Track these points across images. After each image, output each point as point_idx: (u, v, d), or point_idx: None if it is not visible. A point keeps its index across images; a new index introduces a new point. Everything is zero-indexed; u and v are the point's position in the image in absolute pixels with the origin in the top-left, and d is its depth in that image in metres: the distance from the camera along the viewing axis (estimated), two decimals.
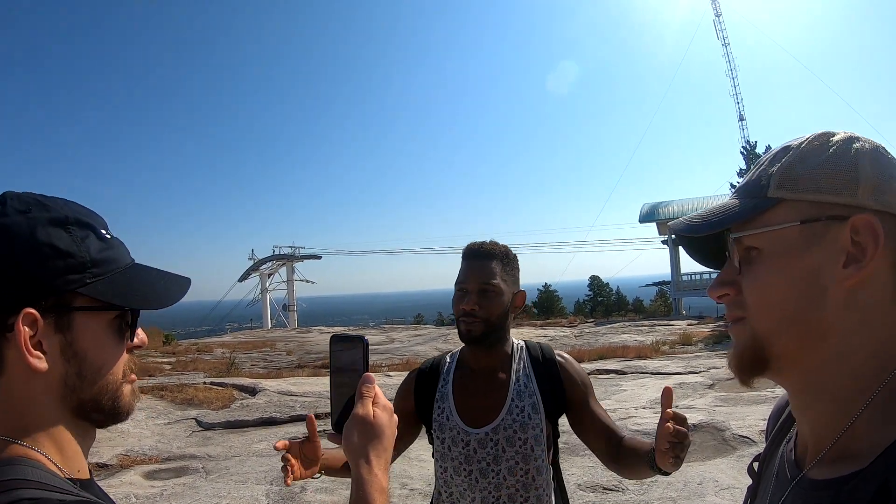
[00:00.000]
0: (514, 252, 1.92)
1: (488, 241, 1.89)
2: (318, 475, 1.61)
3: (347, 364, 1.01)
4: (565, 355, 1.92)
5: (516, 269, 1.91)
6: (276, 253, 54.02)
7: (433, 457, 1.87)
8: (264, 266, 53.63)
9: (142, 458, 7.28)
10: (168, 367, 18.19)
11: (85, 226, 0.83)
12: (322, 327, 40.23)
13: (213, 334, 42.51)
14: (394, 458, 1.95)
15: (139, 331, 0.90)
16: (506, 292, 1.82)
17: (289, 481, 1.47)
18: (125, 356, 0.87)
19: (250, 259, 53.85)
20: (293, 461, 1.49)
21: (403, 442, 1.89)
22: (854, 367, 0.69)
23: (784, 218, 0.72)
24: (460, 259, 1.88)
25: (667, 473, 1.52)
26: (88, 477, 0.84)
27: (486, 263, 1.81)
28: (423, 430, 1.94)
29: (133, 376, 0.88)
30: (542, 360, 1.86)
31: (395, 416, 1.00)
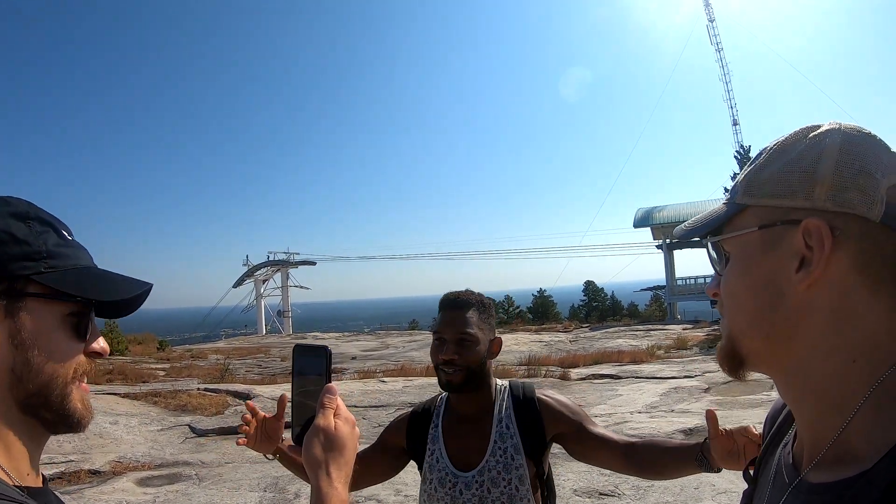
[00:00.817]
0: (489, 299, 1.97)
1: (464, 290, 1.94)
2: (271, 456, 1.69)
3: (310, 374, 0.98)
4: (548, 393, 1.96)
5: (492, 316, 1.96)
6: (271, 259, 54.07)
7: (420, 496, 1.94)
8: (259, 272, 53.61)
9: (135, 464, 7.23)
10: (162, 373, 18.15)
11: (45, 223, 0.85)
12: (317, 333, 40.21)
13: (207, 340, 42.42)
14: (365, 484, 1.99)
15: (100, 338, 0.89)
16: (482, 340, 1.86)
17: (241, 441, 1.60)
18: (80, 358, 0.85)
19: (245, 265, 53.89)
20: (252, 427, 1.61)
21: (383, 474, 1.99)
22: (836, 368, 0.68)
23: (747, 223, 0.73)
24: (439, 309, 1.92)
25: (717, 471, 1.60)
26: (41, 485, 0.81)
27: (462, 313, 1.86)
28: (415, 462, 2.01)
29: (85, 385, 0.86)
30: (522, 401, 1.90)
31: (357, 430, 0.96)
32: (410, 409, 2.04)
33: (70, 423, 0.84)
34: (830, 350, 0.68)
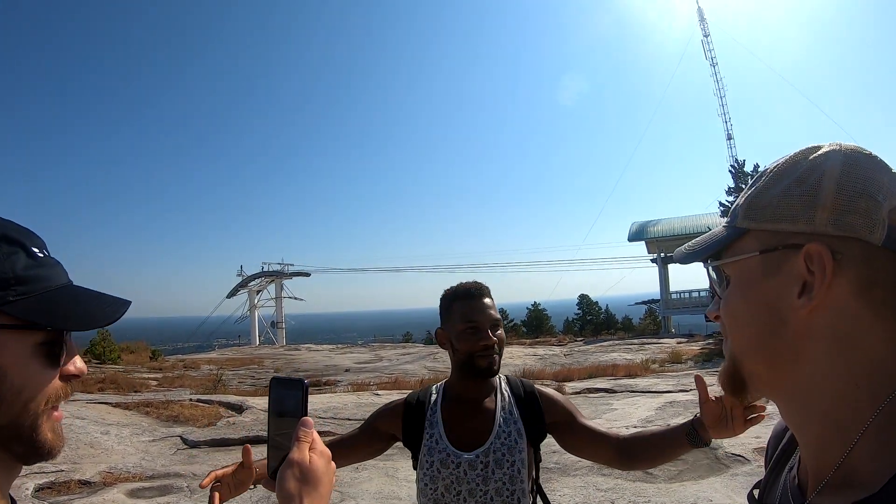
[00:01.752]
0: None
1: (472, 280, 2.02)
2: (252, 486, 1.76)
3: (286, 407, 0.97)
4: (544, 387, 2.07)
5: None
6: (265, 270, 54.05)
7: (418, 483, 1.97)
8: (253, 283, 53.57)
9: (125, 475, 7.15)
10: (154, 383, 18.02)
11: (13, 242, 0.78)
12: (311, 345, 40.09)
13: (200, 350, 42.28)
14: (347, 463, 2.03)
15: (76, 358, 0.84)
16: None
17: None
18: (56, 384, 0.81)
19: (239, 275, 53.83)
20: (220, 491, 1.66)
21: (365, 453, 2.05)
22: (838, 392, 0.68)
23: (747, 248, 0.73)
24: (448, 301, 2.00)
25: (707, 444, 1.72)
26: None
27: (489, 301, 1.96)
28: (410, 455, 2.06)
29: (58, 413, 0.83)
30: (522, 392, 2.00)
31: (333, 465, 0.94)
32: (404, 398, 2.09)
33: (41, 453, 0.80)
34: (833, 374, 0.68)
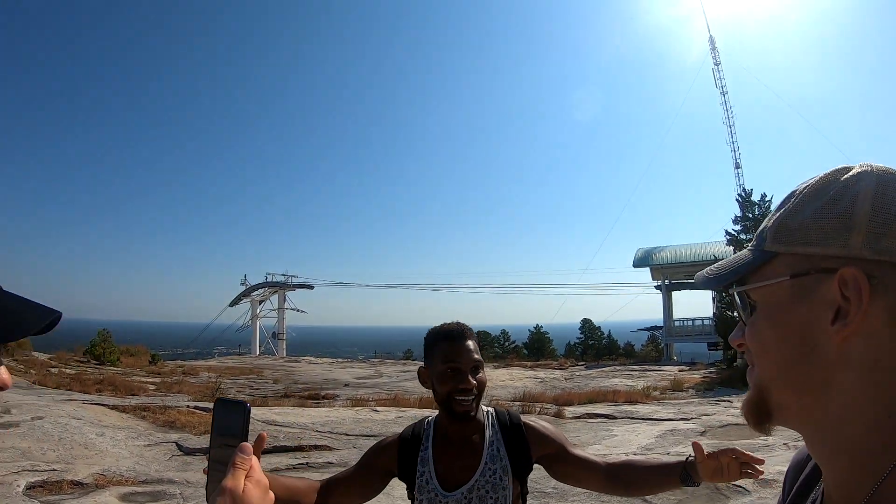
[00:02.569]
0: None
1: (455, 321, 2.03)
2: None
3: (227, 431, 0.93)
4: (532, 418, 2.08)
5: None
6: (269, 280, 54.19)
7: None
8: (256, 293, 53.73)
9: (118, 478, 7.09)
10: (152, 387, 17.98)
11: None
12: (311, 357, 40.01)
13: (200, 357, 42.34)
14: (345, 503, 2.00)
15: (2, 369, 0.80)
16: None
17: None
18: None
19: (242, 284, 54.05)
20: None
21: (363, 492, 2.02)
22: (871, 423, 0.65)
23: (777, 272, 0.70)
24: (431, 341, 1.99)
25: (698, 485, 1.81)
26: None
27: (471, 343, 1.95)
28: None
29: None
30: (509, 426, 2.00)
31: (271, 494, 0.89)
32: (398, 434, 2.09)
33: None
34: (866, 404, 0.65)
